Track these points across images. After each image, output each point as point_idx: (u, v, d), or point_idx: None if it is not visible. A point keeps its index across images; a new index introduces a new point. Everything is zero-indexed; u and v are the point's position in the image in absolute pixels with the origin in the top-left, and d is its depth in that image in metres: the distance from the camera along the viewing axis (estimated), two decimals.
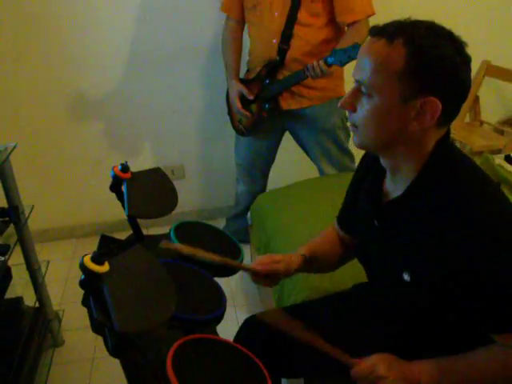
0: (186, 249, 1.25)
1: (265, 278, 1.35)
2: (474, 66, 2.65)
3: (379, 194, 1.25)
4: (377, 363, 1.14)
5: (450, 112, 1.07)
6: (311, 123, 2.55)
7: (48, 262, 2.28)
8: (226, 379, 1.05)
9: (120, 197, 1.36)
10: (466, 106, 3.31)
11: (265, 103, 2.45)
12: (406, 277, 1.16)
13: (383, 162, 1.20)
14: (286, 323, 1.23)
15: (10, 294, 2.07)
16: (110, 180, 1.36)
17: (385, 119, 1.06)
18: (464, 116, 3.47)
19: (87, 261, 0.93)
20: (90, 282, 0.94)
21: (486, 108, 3.46)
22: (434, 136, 1.09)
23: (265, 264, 1.33)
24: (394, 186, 1.21)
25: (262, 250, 2.26)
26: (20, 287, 2.36)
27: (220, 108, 2.78)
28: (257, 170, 2.82)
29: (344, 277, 1.75)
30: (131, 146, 3.18)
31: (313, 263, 1.44)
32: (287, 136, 2.76)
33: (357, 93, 1.09)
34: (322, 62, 2.16)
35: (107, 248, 1.29)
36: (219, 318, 1.19)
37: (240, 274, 1.54)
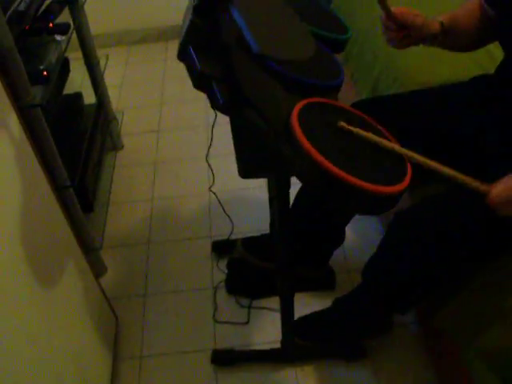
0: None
1: (397, 30, 1.14)
2: None
3: None
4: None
5: None
6: None
7: (107, 55, 2.08)
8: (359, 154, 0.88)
9: None
10: None
11: None
12: None
13: None
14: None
15: (68, 90, 1.91)
16: None
17: None
18: None
19: None
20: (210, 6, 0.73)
21: None
22: None
23: (403, 12, 1.12)
24: None
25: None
26: (78, 84, 2.20)
27: None
28: None
29: (458, 69, 1.52)
30: None
31: (450, 35, 1.21)
32: None
33: None
34: None
35: None
36: (339, 87, 1.00)
37: None
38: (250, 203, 2.04)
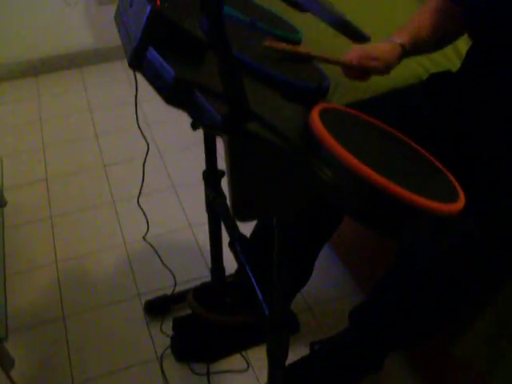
0: (295, 48, 0.89)
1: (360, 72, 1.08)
2: None
3: None
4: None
5: None
6: None
7: None
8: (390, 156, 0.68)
9: None
10: None
11: None
12: None
13: None
14: None
15: None
16: None
17: None
18: None
19: None
20: None
21: None
22: None
23: (361, 59, 1.05)
24: None
25: None
26: None
27: None
28: None
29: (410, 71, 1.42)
30: None
31: (414, 52, 1.14)
32: None
33: None
34: None
35: None
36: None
37: None
38: (182, 247, 1.74)
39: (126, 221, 1.83)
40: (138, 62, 0.68)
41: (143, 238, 1.45)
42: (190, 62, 0.67)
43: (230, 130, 0.60)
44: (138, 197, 1.25)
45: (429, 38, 1.14)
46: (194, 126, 0.65)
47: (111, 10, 1.27)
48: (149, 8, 0.66)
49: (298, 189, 0.64)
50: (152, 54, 0.67)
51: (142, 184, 1.21)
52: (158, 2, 0.72)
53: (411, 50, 1.11)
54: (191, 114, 0.65)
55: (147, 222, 1.33)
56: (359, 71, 1.06)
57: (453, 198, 0.64)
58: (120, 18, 0.82)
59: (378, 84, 1.42)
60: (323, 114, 0.65)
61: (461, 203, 0.64)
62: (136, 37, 0.69)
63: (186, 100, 0.64)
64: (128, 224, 1.80)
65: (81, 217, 1.89)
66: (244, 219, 0.72)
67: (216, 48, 0.57)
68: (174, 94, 0.65)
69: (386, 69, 1.07)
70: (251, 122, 0.61)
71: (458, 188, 0.68)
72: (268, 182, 0.65)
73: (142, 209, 1.29)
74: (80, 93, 2.59)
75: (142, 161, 1.12)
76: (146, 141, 1.06)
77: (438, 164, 0.74)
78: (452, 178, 0.71)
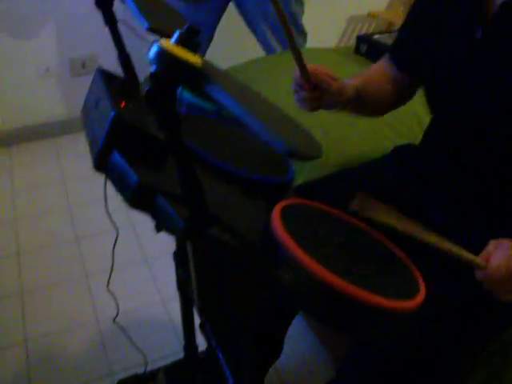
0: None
1: (311, 90, 1.00)
2: None
3: None
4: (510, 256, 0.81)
5: None
6: None
7: None
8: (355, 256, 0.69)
9: (109, 17, 0.87)
10: None
11: None
12: None
13: None
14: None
15: None
16: None
17: None
18: None
19: (171, 46, 0.48)
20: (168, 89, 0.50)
21: None
22: None
23: (319, 71, 0.98)
24: None
25: None
26: None
27: None
28: None
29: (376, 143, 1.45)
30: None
31: (363, 99, 1.12)
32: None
33: None
34: None
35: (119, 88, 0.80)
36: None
37: None
38: (155, 323, 1.72)
39: (99, 297, 1.81)
40: (101, 165, 0.70)
41: (114, 320, 1.42)
42: (155, 164, 0.69)
43: (190, 236, 0.61)
44: (109, 280, 1.24)
45: (378, 90, 1.16)
46: (158, 229, 0.66)
47: (84, 80, 1.29)
48: (112, 113, 0.68)
49: (260, 288, 0.65)
50: (116, 157, 0.69)
51: (112, 268, 1.20)
52: (123, 103, 0.74)
53: (362, 94, 1.10)
54: (154, 217, 0.66)
55: (117, 305, 1.31)
56: (313, 87, 0.99)
57: (411, 293, 0.65)
58: (86, 115, 0.84)
59: (348, 157, 1.46)
60: (285, 212, 0.67)
61: (419, 298, 0.65)
62: (100, 140, 0.70)
63: (149, 204, 0.65)
64: (100, 300, 1.78)
65: (52, 292, 1.86)
66: (211, 318, 0.72)
67: (172, 153, 0.59)
68: (137, 198, 0.66)
69: (337, 94, 1.03)
70: (212, 227, 0.62)
71: (420, 281, 0.69)
72: (231, 282, 0.66)
73: (111, 293, 1.27)
74: (53, 163, 2.60)
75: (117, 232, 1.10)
76: (116, 228, 1.05)
77: (400, 254, 0.75)
78: (414, 271, 0.72)
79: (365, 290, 0.58)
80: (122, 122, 0.68)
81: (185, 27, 0.49)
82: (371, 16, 3.22)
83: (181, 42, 0.49)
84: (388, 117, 1.31)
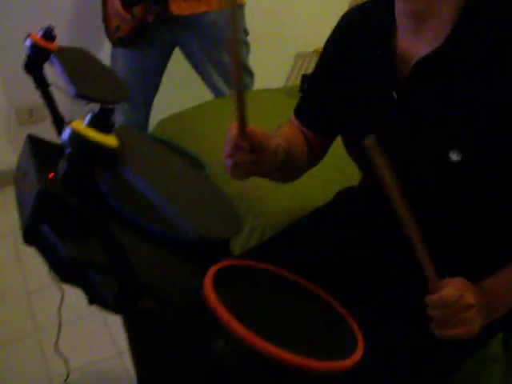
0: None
1: (249, 152, 0.88)
2: None
3: (391, 56, 0.96)
4: (466, 289, 0.85)
5: None
6: (207, 34, 2.16)
7: None
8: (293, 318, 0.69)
9: (40, 81, 0.87)
10: None
11: (151, 4, 2.00)
12: (455, 156, 0.89)
13: (404, 7, 0.90)
14: None
15: None
16: None
17: None
18: None
19: (84, 128, 0.48)
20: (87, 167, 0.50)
21: None
22: None
23: (258, 132, 0.86)
24: (417, 41, 0.92)
25: None
26: None
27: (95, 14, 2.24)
28: (138, 95, 2.33)
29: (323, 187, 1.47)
30: None
31: (287, 161, 1.02)
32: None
33: None
34: None
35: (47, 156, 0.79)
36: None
37: None
38: (111, 378, 1.67)
39: (50, 355, 1.75)
40: (31, 239, 0.68)
41: (65, 381, 1.38)
42: (86, 237, 0.68)
43: (120, 310, 0.60)
44: (57, 340, 1.20)
45: (299, 150, 1.11)
46: (91, 302, 0.65)
47: (32, 130, 1.28)
48: (38, 188, 0.67)
49: (196, 357, 0.64)
50: (45, 230, 0.67)
51: (60, 327, 1.16)
52: (52, 175, 0.73)
53: (288, 155, 1.02)
54: (85, 291, 0.65)
55: (67, 365, 1.27)
56: (251, 149, 0.86)
57: (349, 351, 0.65)
58: (16, 184, 0.82)
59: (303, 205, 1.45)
60: (218, 276, 0.67)
61: (357, 355, 0.65)
62: (27, 212, 0.69)
63: (80, 278, 0.64)
64: (52, 359, 1.72)
65: (1, 352, 1.79)
66: None
67: (96, 232, 0.58)
68: (67, 272, 0.65)
69: (273, 155, 0.94)
70: (142, 299, 0.61)
71: (359, 337, 0.69)
72: (168, 352, 0.65)
73: (61, 353, 1.23)
74: (1, 214, 2.53)
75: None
76: (61, 288, 1.03)
77: (339, 309, 0.76)
78: (354, 325, 0.73)
79: (297, 355, 0.58)
80: (49, 196, 0.67)
81: (97, 109, 0.49)
82: (318, 53, 3.29)
83: (94, 123, 0.49)
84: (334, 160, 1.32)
